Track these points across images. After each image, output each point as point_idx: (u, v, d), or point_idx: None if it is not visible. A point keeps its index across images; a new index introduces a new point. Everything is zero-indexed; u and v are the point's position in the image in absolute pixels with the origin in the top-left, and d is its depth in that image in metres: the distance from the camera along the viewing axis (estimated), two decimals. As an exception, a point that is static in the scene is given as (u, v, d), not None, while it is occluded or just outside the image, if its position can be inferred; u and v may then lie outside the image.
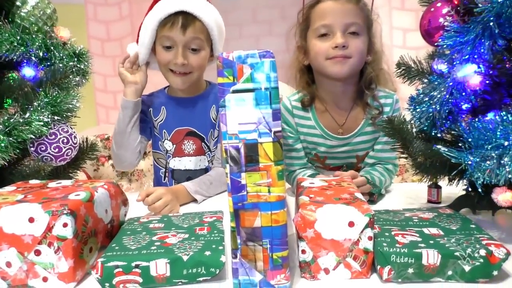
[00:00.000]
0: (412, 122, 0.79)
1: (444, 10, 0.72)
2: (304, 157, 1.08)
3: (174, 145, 1.11)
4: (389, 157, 1.04)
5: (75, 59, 0.87)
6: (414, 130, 0.81)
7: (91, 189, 0.65)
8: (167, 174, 1.15)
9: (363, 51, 1.00)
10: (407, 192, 1.00)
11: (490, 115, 0.66)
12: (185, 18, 1.00)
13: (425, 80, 0.76)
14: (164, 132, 1.12)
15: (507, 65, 0.64)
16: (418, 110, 0.76)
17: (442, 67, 0.71)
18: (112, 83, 2.35)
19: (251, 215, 0.52)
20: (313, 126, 1.08)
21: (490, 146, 0.62)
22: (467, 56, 0.64)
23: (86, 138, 0.94)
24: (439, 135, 0.76)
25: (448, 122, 0.73)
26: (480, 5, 0.62)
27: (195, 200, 0.98)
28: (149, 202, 0.87)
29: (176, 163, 1.12)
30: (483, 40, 0.62)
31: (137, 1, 2.32)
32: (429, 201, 0.91)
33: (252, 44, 2.80)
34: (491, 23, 0.59)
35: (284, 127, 1.09)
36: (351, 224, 0.56)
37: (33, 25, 0.85)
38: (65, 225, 0.56)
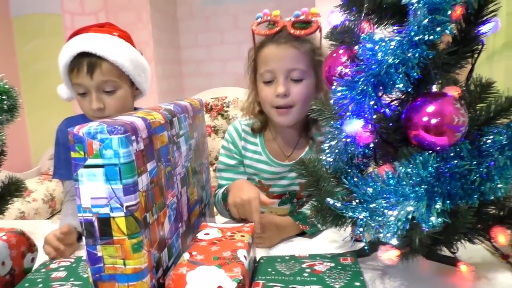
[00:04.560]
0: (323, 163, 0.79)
1: (343, 58, 0.71)
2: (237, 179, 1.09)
3: None
4: None
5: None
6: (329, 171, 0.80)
7: (-15, 242, 0.67)
8: None
9: (307, 95, 1.01)
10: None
11: (381, 169, 0.66)
12: (90, 61, 0.96)
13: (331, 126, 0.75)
14: None
15: (390, 124, 0.63)
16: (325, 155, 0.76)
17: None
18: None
19: (108, 287, 0.52)
20: (259, 152, 1.11)
21: (376, 203, 0.62)
22: (354, 112, 0.64)
23: (11, 177, 0.94)
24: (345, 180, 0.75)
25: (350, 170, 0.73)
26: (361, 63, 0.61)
27: None
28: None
29: None
30: (364, 99, 0.61)
31: (114, 11, 2.32)
32: (356, 240, 0.90)
33: (234, 50, 2.79)
34: (367, 86, 0.58)
35: (230, 147, 1.13)
36: (219, 288, 0.57)
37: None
38: None
